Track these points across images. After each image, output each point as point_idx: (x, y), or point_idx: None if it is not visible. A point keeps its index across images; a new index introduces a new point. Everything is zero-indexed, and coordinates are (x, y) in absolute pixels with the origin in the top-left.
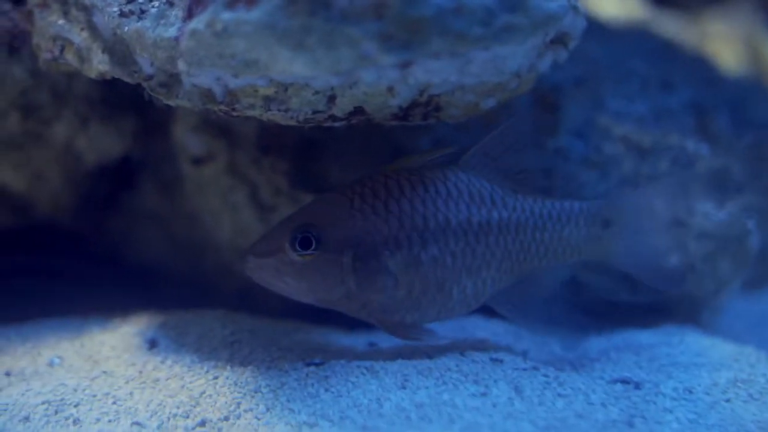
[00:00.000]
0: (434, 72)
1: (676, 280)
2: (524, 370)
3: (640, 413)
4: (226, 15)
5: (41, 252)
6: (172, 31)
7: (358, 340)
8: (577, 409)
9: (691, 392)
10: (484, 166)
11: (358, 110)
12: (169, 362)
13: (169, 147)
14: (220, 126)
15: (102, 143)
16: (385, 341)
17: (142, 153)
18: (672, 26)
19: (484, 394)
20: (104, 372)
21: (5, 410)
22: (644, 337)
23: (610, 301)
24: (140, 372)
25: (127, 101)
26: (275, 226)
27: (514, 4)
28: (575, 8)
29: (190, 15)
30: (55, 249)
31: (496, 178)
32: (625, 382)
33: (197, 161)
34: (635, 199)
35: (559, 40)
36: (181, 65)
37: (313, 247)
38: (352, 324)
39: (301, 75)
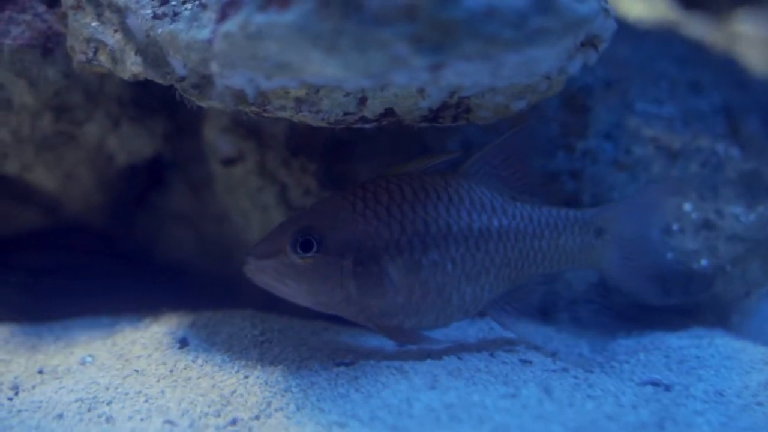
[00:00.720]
0: (465, 74)
1: (664, 292)
2: (554, 371)
3: (671, 416)
4: (259, 17)
5: (72, 251)
6: (205, 33)
7: (386, 341)
8: (607, 411)
9: (721, 395)
10: (484, 173)
11: (389, 112)
12: (199, 361)
13: (199, 148)
14: (249, 127)
15: (133, 144)
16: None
17: (173, 153)
18: (700, 28)
19: (513, 396)
20: (136, 370)
21: (39, 407)
22: (673, 339)
23: (638, 304)
24: (171, 371)
25: (158, 102)
26: (276, 228)
27: (545, 6)
28: (606, 10)
29: (223, 17)
30: (85, 249)
31: (496, 186)
32: (655, 384)
33: (227, 162)
34: (626, 208)
35: (590, 42)
36: (214, 67)
37: (314, 249)
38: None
39: (333, 77)
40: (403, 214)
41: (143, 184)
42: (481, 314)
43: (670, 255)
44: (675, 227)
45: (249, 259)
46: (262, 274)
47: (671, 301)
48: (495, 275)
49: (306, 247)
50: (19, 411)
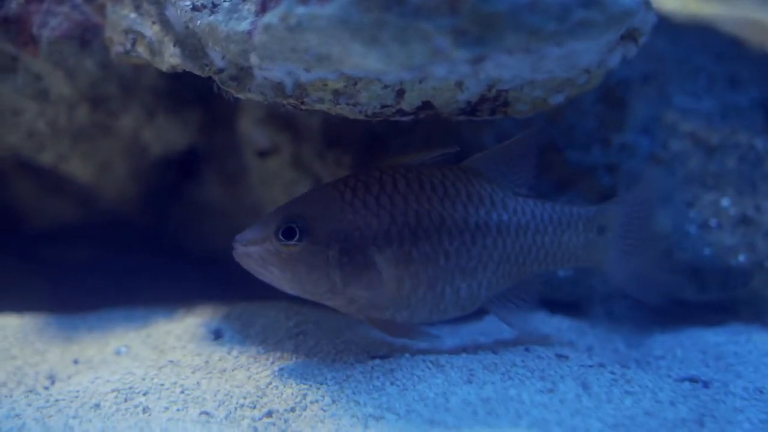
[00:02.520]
0: (506, 67)
1: (665, 293)
2: (590, 366)
3: (710, 413)
4: (300, 9)
5: (106, 243)
6: (244, 25)
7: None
8: (645, 407)
9: (761, 392)
10: (487, 168)
11: (426, 105)
12: (234, 353)
13: (233, 139)
14: (285, 119)
15: (168, 135)
16: (448, 336)
17: (207, 145)
18: (736, 21)
19: (551, 391)
20: (171, 361)
21: (76, 397)
22: (710, 335)
23: (675, 299)
24: (206, 362)
25: (193, 94)
26: (266, 215)
27: None
28: (647, 3)
29: (263, 9)
30: (119, 240)
31: (499, 181)
32: (693, 380)
33: (262, 154)
34: (624, 204)
35: (629, 35)
36: (254, 59)
37: (297, 237)
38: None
39: (373, 70)
40: (394, 205)
41: (177, 176)
42: None
43: (707, 250)
44: (713, 223)
45: (236, 244)
46: (249, 259)
47: (708, 296)
48: (493, 271)
49: (290, 234)
50: (57, 400)
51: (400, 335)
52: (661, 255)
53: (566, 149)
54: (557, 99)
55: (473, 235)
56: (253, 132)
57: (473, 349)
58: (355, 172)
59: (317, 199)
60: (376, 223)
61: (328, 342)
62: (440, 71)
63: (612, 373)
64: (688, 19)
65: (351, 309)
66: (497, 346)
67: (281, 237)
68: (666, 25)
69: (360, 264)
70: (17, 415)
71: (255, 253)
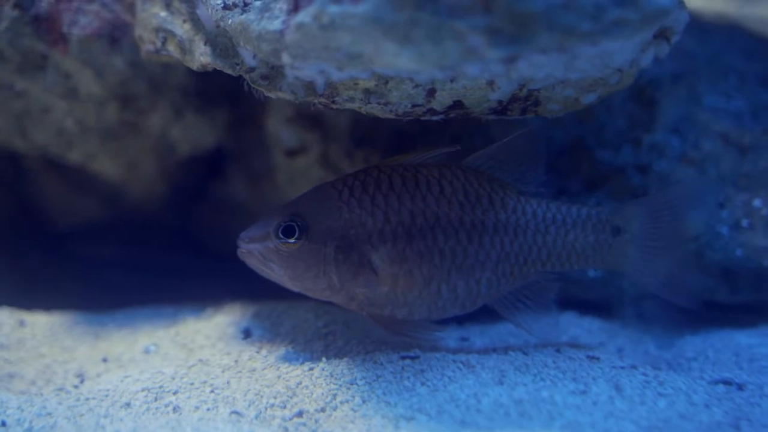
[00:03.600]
0: (539, 67)
1: (694, 293)
2: (622, 368)
3: (746, 416)
4: (333, 8)
5: (133, 241)
6: (276, 24)
7: (450, 334)
8: (680, 410)
9: None
10: (488, 167)
11: (457, 104)
12: (264, 352)
13: (261, 138)
14: (313, 118)
15: (195, 134)
16: (478, 336)
17: (234, 144)
18: (764, 20)
19: (583, 392)
20: (200, 360)
21: (107, 396)
22: (742, 337)
23: (706, 301)
24: (236, 361)
25: (221, 92)
26: (269, 213)
27: None
28: (681, 2)
29: (295, 8)
30: (146, 238)
31: (502, 179)
32: (726, 383)
33: (290, 153)
34: (647, 206)
35: (662, 34)
36: (286, 58)
37: (296, 236)
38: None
39: (405, 68)
40: (389, 204)
41: (204, 174)
42: None
43: (739, 251)
44: (745, 223)
45: (240, 242)
46: (251, 257)
47: (739, 298)
48: (492, 270)
49: (288, 232)
50: (87, 399)
51: (400, 333)
52: (689, 257)
53: (596, 149)
54: (589, 98)
55: (469, 234)
56: (281, 131)
57: (503, 350)
58: (355, 171)
59: (316, 197)
60: (371, 222)
61: (357, 342)
62: (473, 70)
63: (644, 374)
64: (715, 17)
65: (352, 305)
66: (527, 347)
67: (281, 235)
68: (695, 23)
69: (355, 262)
70: (49, 414)
71: (256, 250)
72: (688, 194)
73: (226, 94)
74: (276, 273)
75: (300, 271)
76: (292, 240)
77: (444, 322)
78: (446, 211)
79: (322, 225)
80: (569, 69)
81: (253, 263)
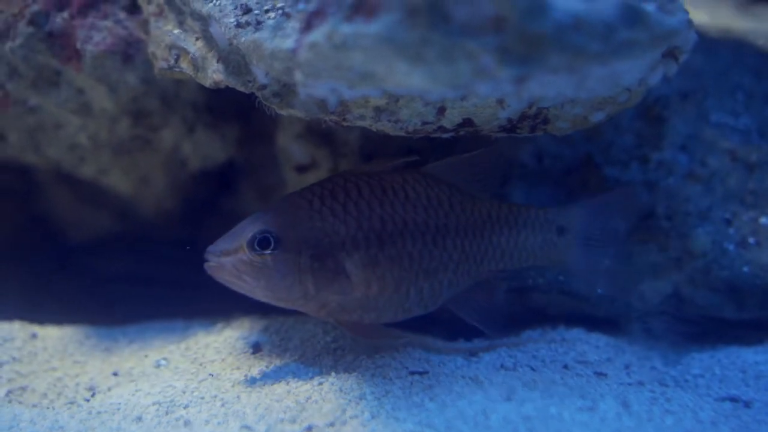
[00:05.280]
0: (549, 86)
1: (626, 287)
2: (629, 384)
3: None
4: (346, 28)
5: (143, 255)
6: (289, 43)
7: (458, 350)
8: (687, 427)
9: None
10: (446, 175)
11: (467, 122)
12: (273, 367)
13: (271, 154)
14: (323, 134)
15: (206, 149)
16: (486, 352)
17: (245, 159)
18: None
19: (591, 409)
20: (210, 374)
21: (118, 409)
22: (749, 354)
23: (712, 317)
24: (246, 376)
25: (232, 108)
26: (236, 227)
27: (634, 18)
28: (690, 21)
29: (308, 27)
30: (156, 252)
31: (457, 185)
32: (733, 400)
33: (301, 168)
34: (590, 208)
35: (670, 53)
36: (298, 76)
37: (272, 247)
38: (452, 333)
39: (416, 88)
40: (359, 211)
41: (215, 189)
42: (553, 326)
43: (746, 268)
44: (751, 240)
45: (209, 256)
46: (222, 271)
47: (746, 315)
48: (453, 271)
49: (263, 244)
50: (99, 412)
51: (367, 336)
52: (624, 255)
53: (604, 166)
54: (598, 117)
55: (434, 237)
56: (291, 147)
57: (512, 365)
58: (321, 181)
59: (286, 208)
60: (344, 229)
61: (367, 357)
62: (484, 89)
63: (651, 391)
64: (721, 33)
65: (321, 313)
66: (535, 362)
67: (256, 247)
68: (702, 40)
69: (331, 269)
70: (61, 427)
71: (228, 263)
72: (621, 198)
73: (237, 110)
74: (249, 285)
75: (274, 282)
76: (267, 252)
77: (452, 337)
78: (413, 215)
79: (295, 235)
80: (579, 88)
81: (224, 277)
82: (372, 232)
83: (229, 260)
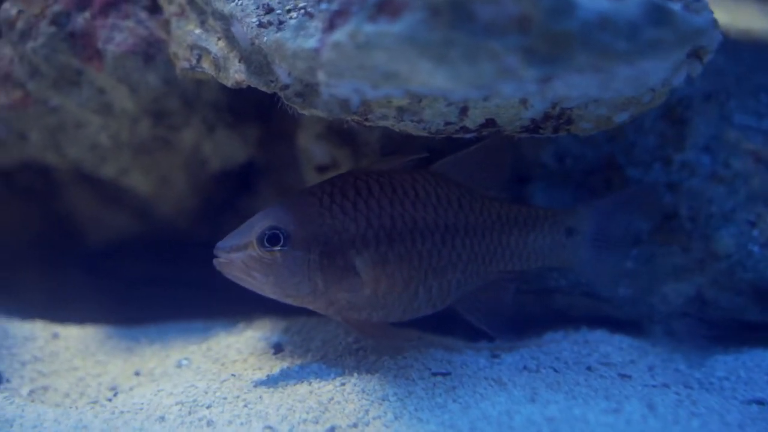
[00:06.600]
0: (574, 86)
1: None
2: (654, 386)
3: None
4: (369, 27)
5: (163, 255)
6: (312, 42)
7: (480, 351)
8: (713, 430)
9: None
10: (455, 173)
11: (490, 122)
12: (295, 367)
13: (292, 154)
14: (344, 134)
15: (227, 149)
16: (508, 353)
17: (265, 159)
18: None
19: (616, 411)
20: (233, 375)
21: (141, 409)
22: None
23: (736, 319)
24: (268, 376)
25: (252, 108)
26: (246, 223)
27: (660, 18)
28: (715, 21)
29: (331, 27)
30: (175, 252)
31: (466, 184)
32: (760, 402)
33: (321, 168)
34: (597, 209)
35: (695, 53)
36: (321, 76)
37: (281, 243)
38: (474, 335)
39: (440, 87)
40: (369, 209)
41: (235, 189)
42: (576, 328)
43: None
44: None
45: (218, 252)
46: (231, 267)
47: None
48: (462, 270)
49: (273, 241)
50: (122, 412)
51: (374, 336)
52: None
53: (627, 167)
54: (622, 117)
55: (443, 236)
56: (312, 147)
57: (534, 367)
58: (331, 178)
59: (296, 205)
60: (354, 227)
61: (389, 358)
62: (508, 90)
63: (677, 393)
64: (742, 34)
65: (330, 311)
66: (558, 364)
67: (266, 243)
68: (724, 41)
69: (340, 267)
70: (85, 427)
71: (238, 259)
72: (637, 197)
73: (257, 110)
74: (258, 281)
75: (284, 279)
76: (276, 248)
77: (473, 339)
78: (422, 214)
79: (305, 232)
80: (604, 88)
81: (233, 273)
82: (382, 230)
83: (239, 256)
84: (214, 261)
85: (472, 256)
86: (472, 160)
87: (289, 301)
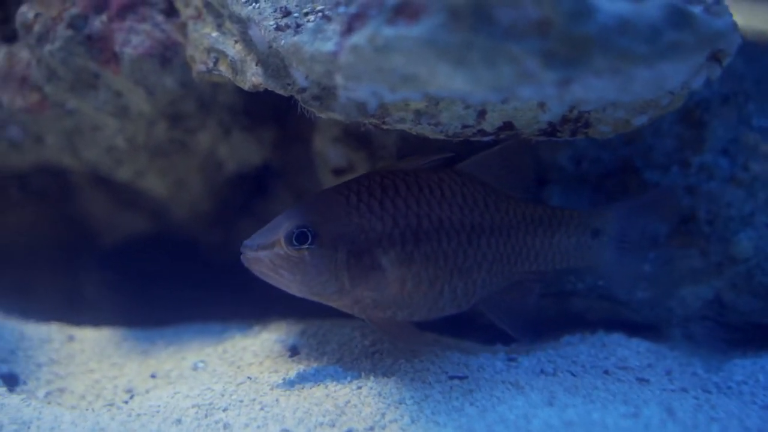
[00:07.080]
0: (593, 89)
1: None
2: (672, 391)
3: None
4: (388, 30)
5: (179, 257)
6: (329, 46)
7: (497, 354)
8: None
9: None
10: (480, 172)
11: (507, 125)
12: (311, 370)
13: (308, 157)
14: (360, 137)
15: (243, 152)
16: (525, 356)
17: (282, 162)
18: None
19: (635, 415)
20: (249, 378)
21: (157, 412)
22: None
23: (755, 323)
24: (284, 379)
25: (269, 112)
26: (273, 221)
27: (680, 20)
28: (735, 24)
29: (348, 30)
30: (192, 254)
31: (491, 184)
32: None
33: (338, 171)
34: (623, 210)
35: (714, 56)
36: (339, 79)
37: (309, 242)
38: (491, 338)
39: (458, 90)
40: (396, 208)
41: (250, 192)
42: (593, 331)
43: None
44: None
45: (246, 249)
46: (259, 264)
47: None
48: (487, 270)
49: (301, 239)
50: (139, 415)
51: (398, 337)
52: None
53: (645, 170)
54: (640, 120)
55: (469, 236)
56: (328, 150)
57: (551, 370)
58: (357, 177)
59: (322, 203)
60: (381, 226)
61: (405, 361)
62: (526, 93)
63: (695, 398)
64: (758, 36)
65: (355, 309)
66: (576, 367)
67: (294, 242)
68: (742, 43)
69: (367, 265)
70: (102, 429)
71: (266, 257)
72: (659, 200)
73: (273, 113)
74: (285, 279)
75: (311, 277)
76: (304, 247)
77: (489, 342)
78: (448, 214)
79: (333, 230)
80: (623, 92)
81: (261, 270)
82: (408, 230)
83: (266, 254)
84: (242, 257)
85: (498, 256)
86: (495, 161)
87: (315, 298)
